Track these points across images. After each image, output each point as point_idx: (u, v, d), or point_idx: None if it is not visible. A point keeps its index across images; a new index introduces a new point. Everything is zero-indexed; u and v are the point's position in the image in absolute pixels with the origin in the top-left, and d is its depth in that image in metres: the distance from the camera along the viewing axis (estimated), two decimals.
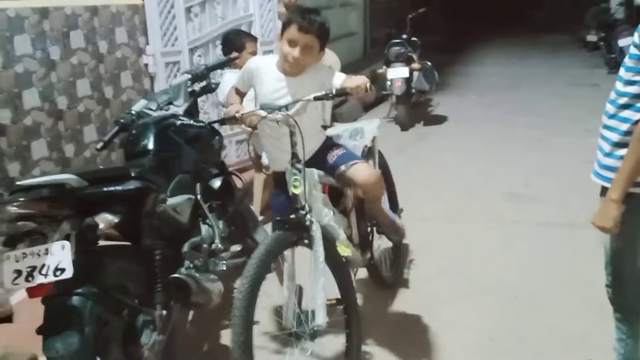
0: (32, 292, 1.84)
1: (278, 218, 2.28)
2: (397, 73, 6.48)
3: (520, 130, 6.53)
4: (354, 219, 2.82)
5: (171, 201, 2.45)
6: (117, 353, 2.10)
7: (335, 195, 2.76)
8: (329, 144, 2.64)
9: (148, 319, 2.17)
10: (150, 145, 2.62)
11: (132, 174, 2.21)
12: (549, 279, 3.35)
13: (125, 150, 2.69)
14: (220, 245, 2.67)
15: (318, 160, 2.53)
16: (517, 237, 3.92)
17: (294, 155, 2.26)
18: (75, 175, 1.89)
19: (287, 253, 2.25)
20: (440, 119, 7.42)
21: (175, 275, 2.14)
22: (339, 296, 2.73)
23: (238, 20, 4.84)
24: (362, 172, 2.55)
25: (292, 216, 2.24)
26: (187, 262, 2.40)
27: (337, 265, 2.38)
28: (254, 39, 3.86)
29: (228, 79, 3.55)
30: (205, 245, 2.65)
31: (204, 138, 2.92)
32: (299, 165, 2.25)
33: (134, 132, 2.67)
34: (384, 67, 6.73)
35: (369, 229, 2.98)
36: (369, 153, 3.04)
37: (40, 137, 3.28)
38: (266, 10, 5.08)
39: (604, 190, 2.00)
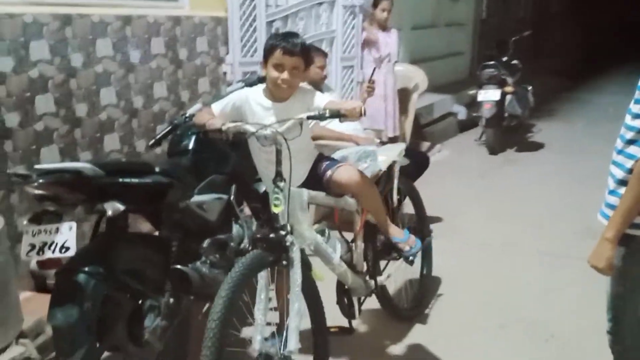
0: (42, 264, 2.07)
1: (257, 236, 2.25)
2: (487, 95, 6.32)
3: None
4: (360, 244, 2.80)
5: (197, 198, 2.62)
6: (121, 331, 2.30)
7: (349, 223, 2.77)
8: (319, 159, 2.63)
9: (154, 305, 2.34)
10: (190, 146, 2.83)
11: (157, 169, 2.42)
12: (591, 323, 3.10)
13: (169, 148, 2.91)
14: (248, 246, 2.80)
15: (311, 179, 2.56)
16: (570, 276, 3.66)
17: (278, 174, 2.22)
18: (93, 165, 2.10)
19: (263, 273, 2.18)
20: (535, 146, 7.10)
21: (178, 266, 2.28)
22: (342, 324, 2.73)
23: (320, 35, 4.99)
24: (345, 172, 2.52)
25: (271, 235, 2.19)
26: (203, 257, 2.55)
27: (310, 291, 2.32)
28: (323, 54, 3.97)
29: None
30: (232, 244, 2.78)
31: (243, 140, 3.05)
32: (281, 184, 2.21)
33: (178, 132, 2.88)
34: (476, 89, 6.59)
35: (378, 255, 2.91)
36: (385, 178, 3.00)
37: (114, 131, 3.63)
38: (349, 27, 5.19)
39: None
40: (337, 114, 2.21)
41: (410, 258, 2.92)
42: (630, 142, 1.81)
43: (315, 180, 2.59)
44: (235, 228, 2.88)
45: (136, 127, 3.78)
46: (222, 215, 2.81)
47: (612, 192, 1.88)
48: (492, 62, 6.61)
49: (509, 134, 7.00)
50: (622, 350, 2.01)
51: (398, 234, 2.79)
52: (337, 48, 5.12)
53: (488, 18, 10.67)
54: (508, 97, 6.45)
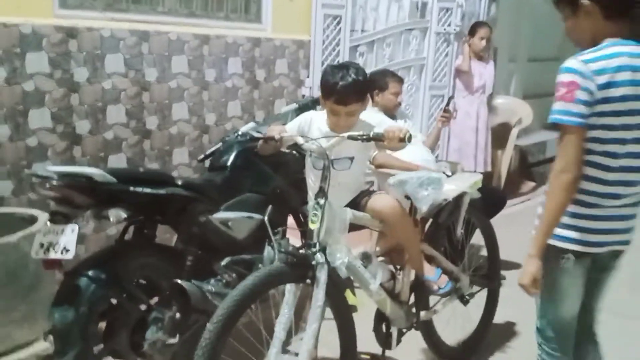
0: (46, 264, 2.15)
1: (282, 250, 2.21)
2: None
3: None
4: (408, 274, 2.65)
5: (222, 215, 2.61)
6: (123, 339, 2.32)
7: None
8: (367, 190, 2.57)
9: (158, 317, 2.34)
10: (229, 162, 2.83)
11: (179, 182, 2.44)
12: None
13: (210, 163, 2.94)
14: None
15: (350, 205, 2.48)
16: None
17: (321, 190, 2.20)
18: (105, 171, 2.16)
19: (289, 287, 2.18)
20: None
21: (178, 281, 2.26)
22: (376, 351, 2.62)
23: (408, 62, 4.86)
24: (380, 200, 2.45)
25: (301, 251, 2.18)
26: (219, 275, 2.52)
27: (342, 313, 2.26)
28: (399, 80, 3.83)
29: (364, 116, 3.61)
30: (261, 265, 2.74)
31: (290, 163, 3.02)
32: (322, 201, 2.18)
33: (221, 148, 2.91)
34: None
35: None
36: (450, 209, 2.81)
37: (183, 145, 3.77)
38: (442, 55, 5.00)
39: None
40: (379, 138, 2.21)
41: (466, 298, 2.88)
42: None
43: (352, 206, 2.51)
44: (267, 250, 2.84)
45: (206, 143, 3.88)
46: (252, 235, 2.77)
47: None
48: None
49: None
50: (551, 346, 2.06)
51: (428, 271, 2.66)
52: (426, 75, 4.95)
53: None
54: None
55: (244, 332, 2.18)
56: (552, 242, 1.91)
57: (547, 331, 2.06)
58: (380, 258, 2.87)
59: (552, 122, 1.82)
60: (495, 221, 3.72)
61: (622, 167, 1.86)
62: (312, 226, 2.18)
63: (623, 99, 1.78)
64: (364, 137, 2.21)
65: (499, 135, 5.35)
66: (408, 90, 4.97)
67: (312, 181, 2.48)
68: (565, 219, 1.88)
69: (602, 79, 1.75)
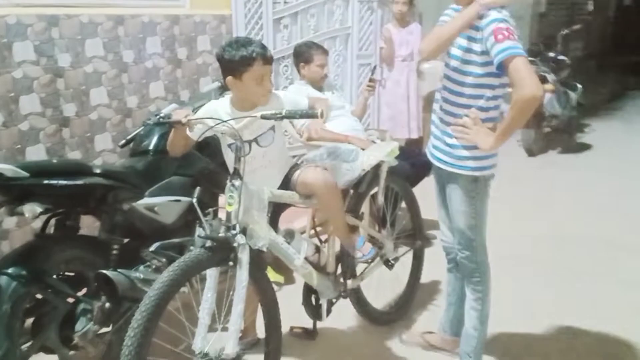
0: None
1: (201, 235, 2.18)
2: None
3: None
4: (333, 245, 2.70)
5: (147, 200, 2.57)
6: (52, 334, 2.28)
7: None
8: (294, 165, 2.59)
9: (87, 308, 2.31)
10: (150, 146, 2.79)
11: (96, 170, 2.38)
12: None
13: (131, 148, 2.88)
14: None
15: (283, 184, 2.50)
16: (575, 289, 3.40)
17: (235, 171, 2.18)
18: (16, 166, 2.09)
19: (210, 272, 2.14)
20: (582, 148, 6.64)
21: (102, 271, 2.23)
22: (306, 325, 2.66)
23: (333, 32, 4.85)
24: (311, 173, 2.46)
25: (220, 234, 2.15)
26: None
27: (264, 292, 2.29)
28: (324, 52, 3.82)
29: (292, 91, 3.60)
30: (192, 248, 2.72)
31: (217, 143, 2.98)
32: (237, 182, 2.17)
33: (142, 132, 2.85)
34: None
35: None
36: (369, 179, 2.86)
37: (105, 130, 3.67)
38: (367, 23, 5.02)
39: None
40: (295, 115, 2.20)
41: (391, 262, 2.96)
42: None
43: (285, 182, 2.54)
44: (199, 231, 2.82)
45: (130, 127, 3.79)
46: (183, 218, 2.76)
47: None
48: (530, 59, 6.19)
49: (553, 135, 6.57)
50: (476, 267, 2.52)
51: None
52: (352, 45, 4.97)
53: (548, 11, 10.08)
54: (547, 95, 6.03)
55: (175, 314, 2.17)
56: (480, 173, 2.37)
57: (474, 252, 2.50)
58: (310, 232, 2.92)
59: (509, 55, 2.08)
60: (425, 182, 3.84)
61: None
62: (229, 209, 2.17)
63: None
64: (277, 115, 2.18)
65: (429, 99, 5.43)
66: (335, 60, 4.98)
67: (229, 163, 2.46)
68: (478, 152, 2.33)
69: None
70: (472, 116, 2.31)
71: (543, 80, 6.09)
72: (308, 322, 2.72)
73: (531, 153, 6.19)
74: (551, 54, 6.56)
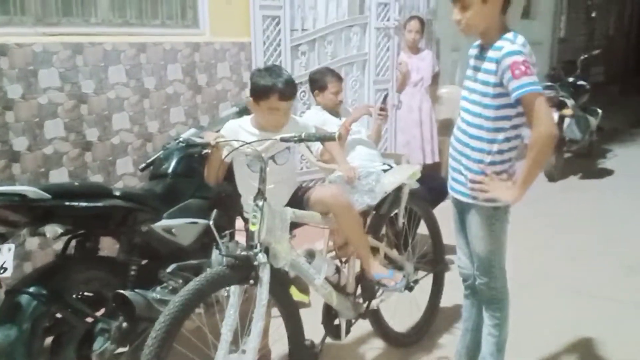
0: None
1: (223, 254, 2.23)
2: None
3: None
4: (353, 265, 2.72)
5: (165, 222, 2.62)
6: (71, 353, 2.32)
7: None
8: (300, 187, 2.65)
9: (105, 328, 2.35)
10: (169, 169, 2.84)
11: (116, 193, 2.44)
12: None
13: (151, 171, 2.94)
14: None
15: (293, 202, 2.53)
16: (597, 315, 3.35)
17: (259, 192, 2.23)
18: (39, 188, 2.15)
19: (233, 290, 2.19)
20: (603, 173, 6.57)
21: (120, 291, 2.27)
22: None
23: (350, 58, 4.92)
24: (323, 190, 2.54)
25: (242, 253, 2.20)
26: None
27: (287, 310, 2.32)
28: (339, 79, 3.87)
29: (308, 116, 3.65)
30: (208, 270, 2.75)
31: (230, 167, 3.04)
32: (260, 203, 2.22)
33: (161, 156, 2.91)
34: None
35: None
36: (390, 201, 2.89)
37: (127, 154, 3.75)
38: (383, 49, 5.08)
39: None
40: (312, 137, 2.31)
41: (411, 284, 2.95)
42: None
43: (296, 201, 2.57)
44: (215, 253, 2.86)
45: (151, 151, 3.86)
46: (199, 240, 2.80)
47: None
48: (549, 84, 6.21)
49: (575, 160, 6.53)
50: (495, 293, 2.50)
51: (379, 269, 2.68)
52: (369, 71, 5.03)
53: (568, 37, 10.09)
54: (567, 120, 6.02)
55: (192, 338, 2.20)
56: (499, 204, 2.33)
57: (492, 278, 2.49)
58: (332, 253, 2.94)
59: (527, 93, 2.11)
60: (443, 206, 3.84)
61: None
62: (252, 228, 2.22)
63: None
64: (296, 138, 2.26)
65: (446, 124, 5.46)
66: (352, 86, 5.04)
67: (245, 182, 2.53)
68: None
69: (533, 59, 2.20)
70: (488, 172, 2.30)
71: (562, 105, 6.08)
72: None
73: (552, 178, 6.15)
74: (571, 79, 6.56)
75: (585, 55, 6.90)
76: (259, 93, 2.40)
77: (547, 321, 3.31)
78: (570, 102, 6.12)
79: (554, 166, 6.13)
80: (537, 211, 5.18)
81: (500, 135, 2.27)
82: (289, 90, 2.38)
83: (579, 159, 6.61)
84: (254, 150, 2.28)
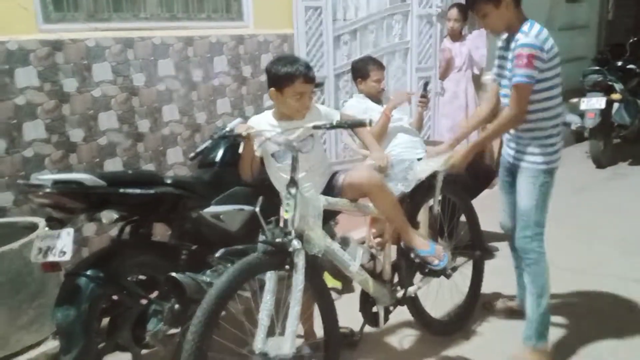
0: (44, 267, 2.27)
1: (260, 240, 2.28)
2: (590, 104, 5.79)
3: None
4: (388, 252, 2.73)
5: (214, 209, 2.72)
6: (126, 333, 2.45)
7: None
8: (336, 173, 2.64)
9: (158, 309, 2.46)
10: (217, 158, 2.94)
11: (167, 181, 2.55)
12: None
13: (200, 160, 3.04)
14: None
15: (327, 190, 2.56)
16: None
17: (291, 180, 2.27)
18: (95, 176, 2.27)
19: (269, 275, 2.23)
20: None
21: (172, 274, 2.37)
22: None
23: (392, 47, 4.93)
24: (357, 172, 2.53)
25: (277, 240, 2.24)
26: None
27: (321, 295, 2.36)
28: (381, 67, 3.90)
29: (351, 104, 3.70)
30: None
31: None
32: (293, 190, 2.26)
33: (209, 146, 3.01)
34: (579, 97, 6.07)
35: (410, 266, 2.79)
36: (425, 189, 2.89)
37: (177, 145, 3.89)
38: (425, 37, 5.06)
39: None
40: (345, 124, 2.40)
41: (448, 272, 2.83)
42: None
43: (330, 189, 2.60)
44: (260, 238, 2.94)
45: (199, 141, 3.98)
46: (246, 226, 2.88)
47: None
48: (596, 68, 6.05)
49: (624, 146, 6.35)
50: (531, 246, 2.68)
51: (422, 245, 2.67)
52: (412, 59, 5.02)
53: (616, 19, 9.77)
54: (615, 105, 5.86)
55: (227, 326, 2.25)
56: (547, 166, 2.62)
57: (541, 229, 2.70)
58: (376, 240, 2.97)
59: (517, 82, 2.47)
60: (486, 194, 3.83)
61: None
62: (286, 215, 2.27)
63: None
64: (327, 126, 2.31)
65: (494, 111, 5.39)
66: (394, 74, 5.04)
67: (277, 171, 2.55)
68: (547, 148, 2.63)
69: (548, 44, 2.51)
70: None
71: (611, 89, 5.93)
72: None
73: (600, 164, 6.00)
74: (619, 63, 6.37)
75: (635, 38, 6.67)
76: (284, 80, 2.39)
77: (592, 308, 3.27)
78: (618, 86, 5.95)
79: (602, 152, 5.99)
80: (585, 198, 5.10)
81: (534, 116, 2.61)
82: (311, 73, 2.41)
83: (628, 145, 6.42)
84: (286, 140, 2.31)
